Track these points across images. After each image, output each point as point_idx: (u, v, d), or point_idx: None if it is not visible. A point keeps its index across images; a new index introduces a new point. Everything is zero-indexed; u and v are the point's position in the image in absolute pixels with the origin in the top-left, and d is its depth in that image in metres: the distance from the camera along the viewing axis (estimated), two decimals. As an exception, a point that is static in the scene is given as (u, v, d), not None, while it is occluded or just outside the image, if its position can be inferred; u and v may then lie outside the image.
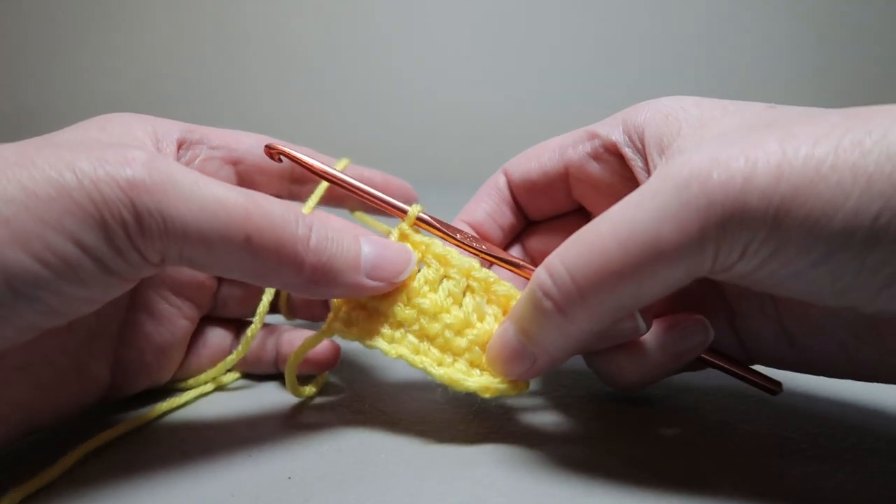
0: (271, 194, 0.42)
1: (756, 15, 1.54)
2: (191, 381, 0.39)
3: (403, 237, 0.35)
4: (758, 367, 0.35)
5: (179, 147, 0.36)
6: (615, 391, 0.38)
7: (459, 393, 0.38)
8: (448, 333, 0.33)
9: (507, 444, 0.32)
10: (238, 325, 0.42)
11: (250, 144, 0.40)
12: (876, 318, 0.29)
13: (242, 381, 0.41)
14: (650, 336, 0.32)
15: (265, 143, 0.36)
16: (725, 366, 0.34)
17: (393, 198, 0.35)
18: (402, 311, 0.33)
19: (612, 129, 0.34)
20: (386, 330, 0.33)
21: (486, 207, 0.38)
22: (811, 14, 1.54)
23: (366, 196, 0.35)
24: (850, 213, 0.23)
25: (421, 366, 0.32)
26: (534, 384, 0.40)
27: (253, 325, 0.37)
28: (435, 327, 0.33)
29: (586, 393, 0.38)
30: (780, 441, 0.33)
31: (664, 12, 1.55)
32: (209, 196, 0.27)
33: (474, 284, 0.34)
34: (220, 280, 0.41)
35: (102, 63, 1.65)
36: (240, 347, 0.38)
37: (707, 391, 0.38)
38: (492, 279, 0.34)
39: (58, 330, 0.31)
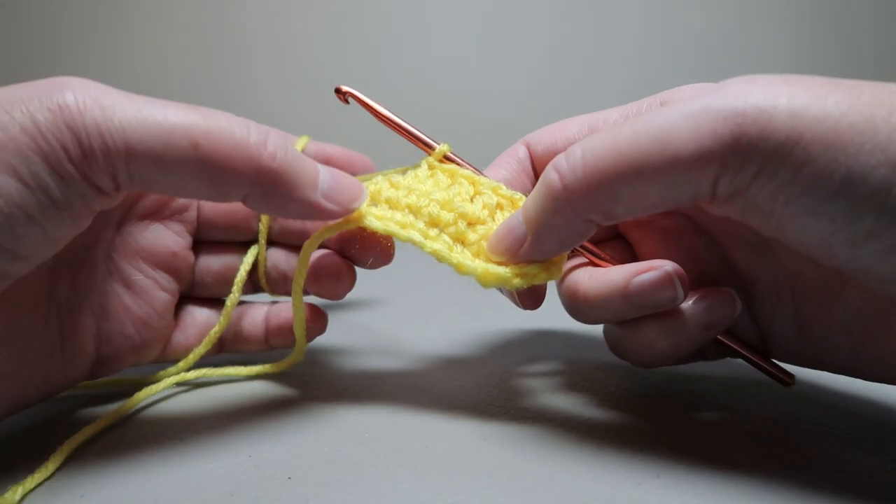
0: None
1: (757, 16, 1.54)
2: (181, 364, 0.39)
3: (431, 167, 0.37)
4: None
5: None
6: (615, 389, 0.39)
7: (459, 393, 0.39)
8: (484, 243, 0.33)
9: (508, 444, 0.33)
10: None
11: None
12: (882, 309, 0.30)
13: (241, 382, 0.41)
14: (681, 308, 0.33)
15: (335, 87, 0.37)
16: (744, 352, 0.35)
17: (355, 170, 0.44)
18: (439, 212, 0.34)
19: (651, 103, 0.35)
20: (420, 225, 0.33)
21: (506, 174, 0.38)
22: (817, 16, 1.55)
23: (409, 136, 0.38)
24: (879, 146, 0.23)
25: (457, 261, 0.32)
26: (533, 382, 0.40)
27: (231, 295, 0.37)
28: (471, 235, 0.34)
29: (586, 392, 0.39)
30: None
31: (668, 9, 1.55)
32: (148, 107, 0.27)
33: (503, 202, 0.35)
34: (196, 253, 0.41)
35: (102, 63, 1.59)
36: (221, 319, 0.37)
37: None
38: (518, 197, 0.35)
39: (37, 302, 0.32)
